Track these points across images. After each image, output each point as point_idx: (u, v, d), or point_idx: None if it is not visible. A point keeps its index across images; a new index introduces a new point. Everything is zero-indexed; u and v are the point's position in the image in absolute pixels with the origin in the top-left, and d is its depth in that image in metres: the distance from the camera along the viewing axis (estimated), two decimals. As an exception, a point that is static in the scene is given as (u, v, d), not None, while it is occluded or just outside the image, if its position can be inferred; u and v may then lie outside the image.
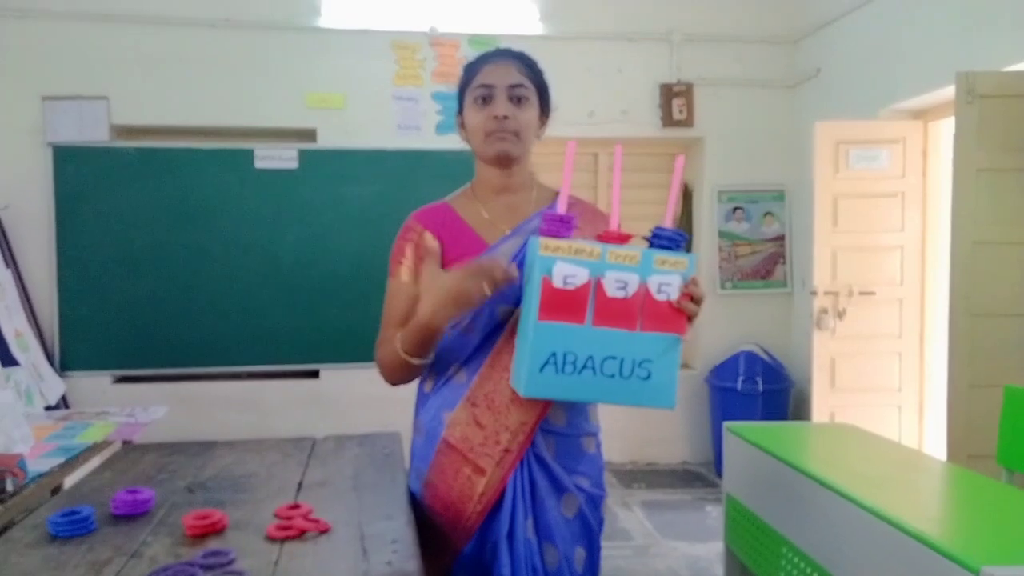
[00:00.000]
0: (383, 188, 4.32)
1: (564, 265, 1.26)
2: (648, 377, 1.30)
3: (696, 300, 1.32)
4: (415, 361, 1.43)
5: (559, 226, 1.29)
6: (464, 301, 1.33)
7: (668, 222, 1.37)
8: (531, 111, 1.50)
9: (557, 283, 1.26)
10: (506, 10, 4.53)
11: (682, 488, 4.37)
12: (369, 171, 4.33)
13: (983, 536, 1.52)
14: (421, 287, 1.40)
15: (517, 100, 1.48)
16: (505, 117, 1.46)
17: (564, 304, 1.27)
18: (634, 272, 1.29)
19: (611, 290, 1.28)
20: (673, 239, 1.34)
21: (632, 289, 1.29)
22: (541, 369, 1.27)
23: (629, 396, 1.31)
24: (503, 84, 1.47)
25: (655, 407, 1.33)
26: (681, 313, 1.31)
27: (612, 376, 1.29)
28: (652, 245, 1.35)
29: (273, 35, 4.35)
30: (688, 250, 1.37)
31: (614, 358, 1.29)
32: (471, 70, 1.52)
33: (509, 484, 1.45)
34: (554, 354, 1.27)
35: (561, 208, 1.32)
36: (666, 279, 1.30)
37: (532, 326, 1.27)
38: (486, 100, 1.47)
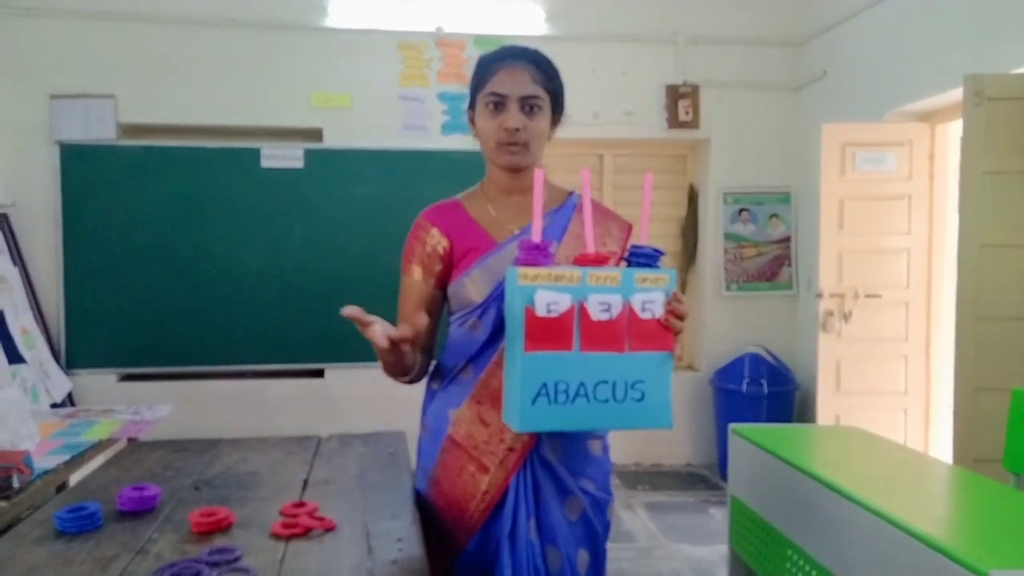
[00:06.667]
0: (389, 188, 4.32)
1: (546, 293, 1.22)
2: (642, 398, 1.28)
3: (680, 316, 1.29)
4: (400, 380, 1.49)
5: (536, 254, 1.25)
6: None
7: (643, 239, 1.35)
8: (543, 120, 1.49)
9: (540, 312, 1.22)
10: (512, 11, 4.53)
11: (686, 490, 4.36)
12: (375, 171, 4.34)
13: (990, 540, 1.52)
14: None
15: (529, 109, 1.46)
16: (517, 130, 1.44)
17: (550, 332, 1.23)
18: (616, 293, 1.26)
19: (595, 313, 1.25)
20: (651, 256, 1.32)
21: (616, 310, 1.26)
22: (533, 401, 1.23)
23: (625, 420, 1.28)
24: (516, 94, 1.45)
25: (652, 428, 1.30)
26: (668, 329, 1.28)
27: (606, 401, 1.26)
28: (630, 264, 1.33)
29: (279, 35, 4.36)
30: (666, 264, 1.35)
31: (606, 382, 1.26)
32: (484, 70, 1.49)
33: (511, 485, 1.45)
34: (545, 385, 1.23)
35: (535, 235, 1.27)
36: (649, 297, 1.28)
37: (519, 358, 1.22)
38: (498, 107, 1.45)
